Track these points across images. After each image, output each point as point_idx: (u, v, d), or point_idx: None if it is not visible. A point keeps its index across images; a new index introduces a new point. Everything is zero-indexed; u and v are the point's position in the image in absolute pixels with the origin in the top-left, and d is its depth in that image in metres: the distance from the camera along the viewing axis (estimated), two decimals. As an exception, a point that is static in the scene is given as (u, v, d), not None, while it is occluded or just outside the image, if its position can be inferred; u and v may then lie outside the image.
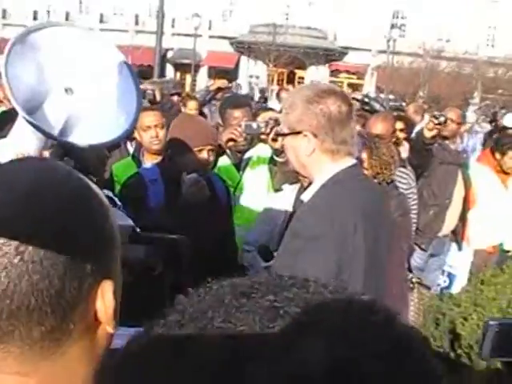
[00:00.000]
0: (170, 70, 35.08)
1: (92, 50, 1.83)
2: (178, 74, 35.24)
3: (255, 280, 0.52)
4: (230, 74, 31.63)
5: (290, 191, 3.38)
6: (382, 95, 25.61)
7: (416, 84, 27.40)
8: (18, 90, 1.68)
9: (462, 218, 5.26)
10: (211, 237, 3.05)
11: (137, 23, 40.10)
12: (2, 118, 2.92)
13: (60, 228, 0.72)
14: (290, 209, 3.14)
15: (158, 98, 5.36)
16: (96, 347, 0.76)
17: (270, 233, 3.31)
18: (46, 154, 1.89)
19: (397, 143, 4.56)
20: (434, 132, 5.11)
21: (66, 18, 35.52)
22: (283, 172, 3.47)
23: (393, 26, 37.06)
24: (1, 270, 0.68)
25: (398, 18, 40.19)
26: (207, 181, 3.09)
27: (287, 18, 39.05)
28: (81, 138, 1.74)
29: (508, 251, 5.44)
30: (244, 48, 38.59)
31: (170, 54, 35.03)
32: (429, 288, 4.92)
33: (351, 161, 2.17)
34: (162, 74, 28.90)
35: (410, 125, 5.65)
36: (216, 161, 3.58)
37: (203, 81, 30.72)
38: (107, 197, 2.76)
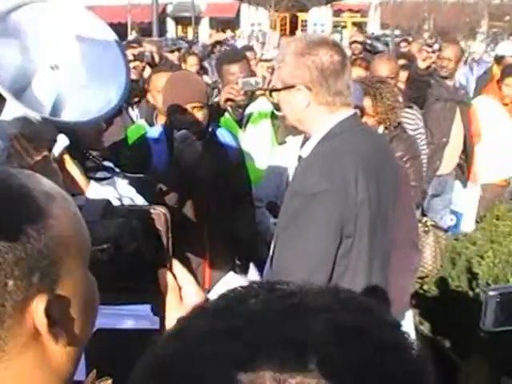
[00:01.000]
0: (171, 25, 34.55)
1: (75, 24, 1.80)
2: (180, 28, 34.70)
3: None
4: (232, 24, 31.09)
5: (294, 143, 3.35)
6: (388, 31, 25.15)
7: (420, 18, 26.78)
8: (4, 70, 1.66)
9: (465, 155, 5.17)
10: (222, 198, 3.05)
11: (134, -20, 39.36)
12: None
13: None
14: (296, 161, 3.12)
15: (157, 59, 5.31)
16: (48, 358, 0.75)
17: (278, 187, 3.30)
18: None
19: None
20: (428, 62, 4.99)
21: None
22: (286, 125, 3.44)
23: (393, -41, 36.06)
24: None
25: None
26: (212, 137, 3.09)
27: (286, -40, 38.12)
28: (72, 115, 1.73)
29: (521, 183, 5.37)
30: (244, -5, 37.84)
31: (169, 9, 34.43)
32: (446, 230, 4.77)
33: (349, 111, 2.14)
34: (163, 29, 28.49)
35: (412, 61, 5.57)
36: (218, 120, 3.55)
37: (205, 33, 30.29)
38: (106, 167, 2.74)
